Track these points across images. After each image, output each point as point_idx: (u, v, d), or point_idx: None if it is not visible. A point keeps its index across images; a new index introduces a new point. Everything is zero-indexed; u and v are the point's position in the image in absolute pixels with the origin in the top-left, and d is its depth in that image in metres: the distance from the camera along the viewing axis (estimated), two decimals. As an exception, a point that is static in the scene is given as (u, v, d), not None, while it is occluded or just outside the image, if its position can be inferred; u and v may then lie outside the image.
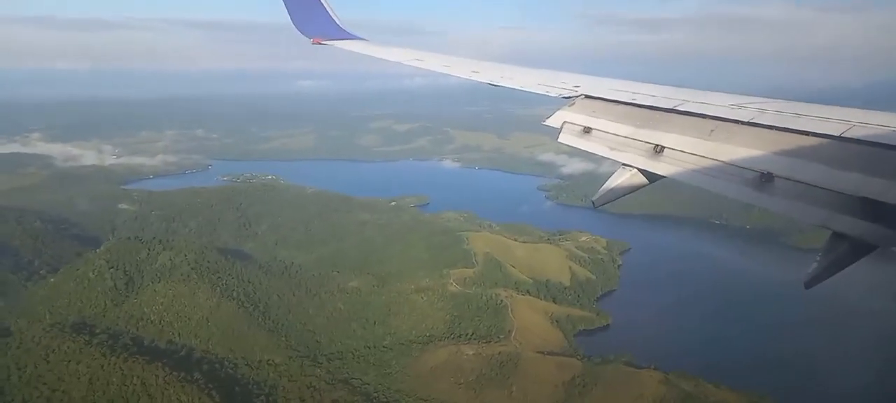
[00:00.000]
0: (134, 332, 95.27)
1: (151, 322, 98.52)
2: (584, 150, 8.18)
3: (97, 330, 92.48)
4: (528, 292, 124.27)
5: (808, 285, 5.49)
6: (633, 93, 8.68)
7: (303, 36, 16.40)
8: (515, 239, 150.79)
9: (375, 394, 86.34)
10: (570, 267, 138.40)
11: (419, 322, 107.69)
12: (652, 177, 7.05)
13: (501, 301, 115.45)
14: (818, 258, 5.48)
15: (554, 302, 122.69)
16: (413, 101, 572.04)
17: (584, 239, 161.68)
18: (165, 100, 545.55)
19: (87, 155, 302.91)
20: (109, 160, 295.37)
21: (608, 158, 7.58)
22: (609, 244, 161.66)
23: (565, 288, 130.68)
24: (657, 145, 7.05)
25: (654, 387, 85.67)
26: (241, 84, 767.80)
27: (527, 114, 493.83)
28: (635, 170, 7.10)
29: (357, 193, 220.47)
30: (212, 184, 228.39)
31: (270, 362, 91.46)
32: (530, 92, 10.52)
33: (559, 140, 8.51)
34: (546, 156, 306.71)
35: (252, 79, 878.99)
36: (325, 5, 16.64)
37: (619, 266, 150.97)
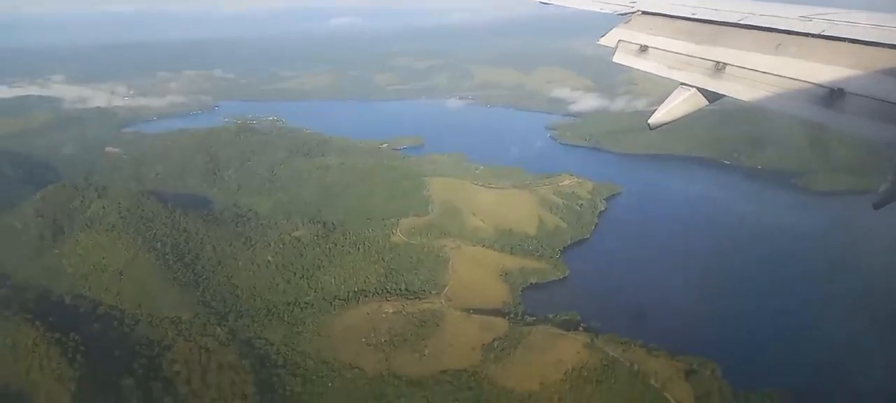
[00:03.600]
0: (45, 285, 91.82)
1: (66, 274, 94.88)
2: (641, 70, 7.84)
3: (7, 285, 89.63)
4: (482, 242, 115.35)
5: (877, 205, 5.46)
6: (693, 7, 8.23)
7: None
8: (485, 185, 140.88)
9: (275, 356, 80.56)
10: (538, 215, 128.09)
11: (350, 276, 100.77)
12: (712, 96, 6.78)
13: (445, 253, 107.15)
14: (890, 178, 5.40)
15: (510, 252, 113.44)
16: (443, 38, 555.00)
17: (567, 182, 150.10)
18: (198, 42, 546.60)
19: (98, 97, 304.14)
20: (117, 102, 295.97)
21: (664, 78, 7.20)
22: (596, 188, 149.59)
23: (528, 238, 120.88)
24: (719, 62, 6.77)
25: (575, 352, 76.60)
26: (274, 24, 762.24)
27: (558, 47, 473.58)
28: (694, 89, 6.84)
29: (353, 135, 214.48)
30: (207, 126, 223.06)
31: (175, 319, 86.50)
32: (583, 9, 9.80)
33: (614, 60, 8.27)
34: (561, 93, 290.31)
35: (288, 17, 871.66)
36: None
37: (600, 212, 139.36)
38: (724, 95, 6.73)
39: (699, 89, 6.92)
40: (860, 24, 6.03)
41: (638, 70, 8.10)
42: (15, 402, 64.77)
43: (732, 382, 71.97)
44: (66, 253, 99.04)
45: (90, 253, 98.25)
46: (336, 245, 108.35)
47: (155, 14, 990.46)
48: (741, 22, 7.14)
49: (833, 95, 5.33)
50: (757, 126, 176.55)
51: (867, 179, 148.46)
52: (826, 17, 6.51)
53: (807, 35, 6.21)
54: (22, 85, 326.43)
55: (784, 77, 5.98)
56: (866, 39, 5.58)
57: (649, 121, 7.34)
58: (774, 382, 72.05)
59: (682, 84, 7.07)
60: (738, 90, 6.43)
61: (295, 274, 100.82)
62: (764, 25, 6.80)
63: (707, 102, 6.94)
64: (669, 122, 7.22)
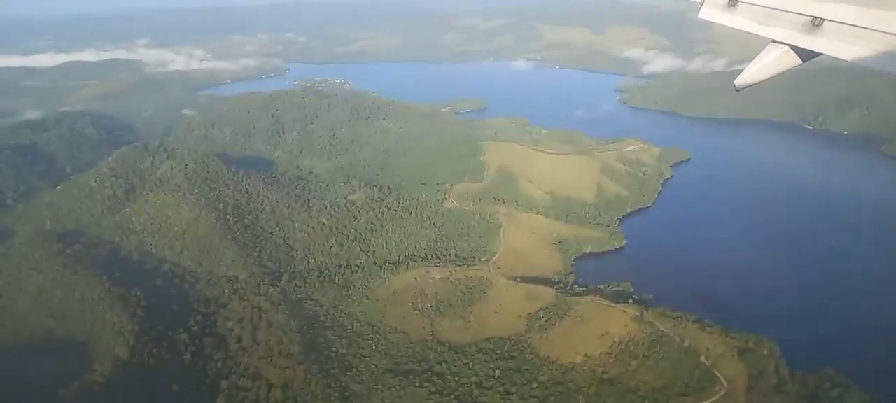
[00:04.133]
0: (115, 242, 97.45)
1: (135, 232, 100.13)
2: (730, 27, 7.33)
3: (80, 241, 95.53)
4: (536, 209, 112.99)
5: None
6: None
7: None
8: (544, 150, 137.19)
9: (323, 317, 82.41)
10: (598, 182, 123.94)
11: (401, 240, 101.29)
12: (806, 54, 6.37)
13: (498, 219, 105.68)
14: None
15: (566, 220, 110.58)
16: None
17: (631, 147, 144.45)
18: (268, 5, 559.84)
19: (177, 60, 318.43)
20: (195, 65, 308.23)
21: (754, 35, 6.83)
22: (662, 154, 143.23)
23: (587, 205, 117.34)
24: (815, 18, 6.14)
25: (623, 325, 73.99)
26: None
27: (633, 2, 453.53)
28: (787, 47, 6.46)
29: (416, 97, 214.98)
30: (276, 88, 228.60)
31: (232, 278, 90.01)
32: None
33: (700, 16, 7.71)
34: (634, 53, 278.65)
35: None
36: None
37: (666, 179, 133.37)
38: (820, 53, 6.17)
39: (792, 47, 6.43)
40: None
41: (725, 27, 7.69)
42: (80, 351, 69.36)
43: (790, 362, 67.46)
44: (136, 212, 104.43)
45: (158, 213, 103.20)
46: (390, 209, 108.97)
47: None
48: None
49: None
50: (843, 87, 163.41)
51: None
52: None
53: None
54: (109, 49, 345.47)
55: (889, 33, 5.39)
56: None
57: (735, 81, 6.97)
58: (835, 362, 66.90)
59: (774, 41, 6.58)
60: (838, 48, 5.85)
61: (348, 236, 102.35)
62: None
63: (800, 61, 6.49)
64: (757, 83, 6.78)
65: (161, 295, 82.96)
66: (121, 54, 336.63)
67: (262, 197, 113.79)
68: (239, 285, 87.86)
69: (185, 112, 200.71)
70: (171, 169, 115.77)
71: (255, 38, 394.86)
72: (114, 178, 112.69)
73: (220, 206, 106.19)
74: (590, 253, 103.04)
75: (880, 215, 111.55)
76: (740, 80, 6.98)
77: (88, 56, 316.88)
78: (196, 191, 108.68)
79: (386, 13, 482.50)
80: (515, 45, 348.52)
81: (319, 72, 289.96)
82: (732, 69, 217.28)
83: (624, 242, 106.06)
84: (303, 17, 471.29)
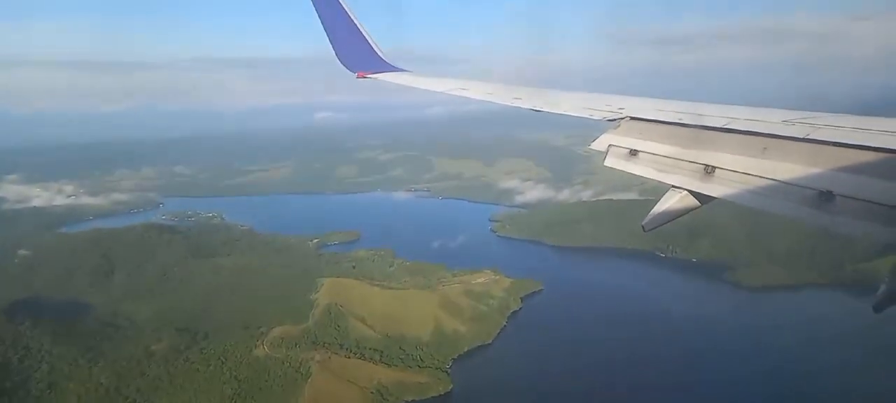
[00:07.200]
0: None
1: None
2: (633, 173, 8.01)
3: None
4: (362, 352, 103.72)
5: (878, 309, 5.39)
6: (679, 112, 8.60)
7: (347, 70, 16.26)
8: (384, 287, 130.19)
9: None
10: (436, 318, 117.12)
11: (191, 400, 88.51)
12: (703, 198, 6.91)
13: (309, 367, 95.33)
14: (887, 278, 5.46)
15: (390, 364, 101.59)
16: (420, 129, 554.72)
17: (481, 279, 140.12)
18: (176, 139, 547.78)
19: (44, 196, 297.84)
20: (59, 201, 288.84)
21: (655, 181, 7.42)
22: (513, 285, 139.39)
23: (422, 345, 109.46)
24: (708, 166, 6.89)
25: None
26: (263, 118, 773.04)
27: (532, 138, 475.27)
28: (685, 192, 6.96)
29: (287, 230, 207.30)
30: (139, 222, 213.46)
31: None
32: (574, 116, 10.06)
33: (605, 164, 8.36)
34: (511, 183, 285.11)
35: (277, 113, 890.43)
36: (369, 39, 16.53)
37: (512, 312, 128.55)
38: (714, 197, 6.60)
39: (690, 192, 6.81)
40: (843, 127, 6.22)
41: (625, 171, 8.03)
42: None
43: None
44: None
45: None
46: (188, 361, 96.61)
47: (150, 112, 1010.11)
48: (726, 126, 7.27)
49: (822, 197, 5.42)
50: (694, 217, 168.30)
51: (798, 273, 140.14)
52: (809, 121, 6.68)
53: (792, 139, 6.31)
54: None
55: (773, 180, 6.02)
56: (849, 143, 5.70)
57: (642, 222, 7.14)
58: None
59: (674, 186, 6.98)
60: (729, 193, 6.40)
61: (127, 398, 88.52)
62: (749, 130, 6.92)
63: (699, 204, 6.90)
64: (663, 224, 6.94)
65: None
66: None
67: (43, 352, 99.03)
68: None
69: (22, 252, 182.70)
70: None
71: (138, 173, 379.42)
72: None
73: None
74: (410, 401, 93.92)
75: (716, 343, 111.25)
76: (646, 222, 7.16)
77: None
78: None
79: (285, 146, 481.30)
80: (407, 176, 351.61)
81: (195, 205, 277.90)
82: (597, 199, 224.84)
83: (450, 386, 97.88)
84: (198, 150, 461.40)
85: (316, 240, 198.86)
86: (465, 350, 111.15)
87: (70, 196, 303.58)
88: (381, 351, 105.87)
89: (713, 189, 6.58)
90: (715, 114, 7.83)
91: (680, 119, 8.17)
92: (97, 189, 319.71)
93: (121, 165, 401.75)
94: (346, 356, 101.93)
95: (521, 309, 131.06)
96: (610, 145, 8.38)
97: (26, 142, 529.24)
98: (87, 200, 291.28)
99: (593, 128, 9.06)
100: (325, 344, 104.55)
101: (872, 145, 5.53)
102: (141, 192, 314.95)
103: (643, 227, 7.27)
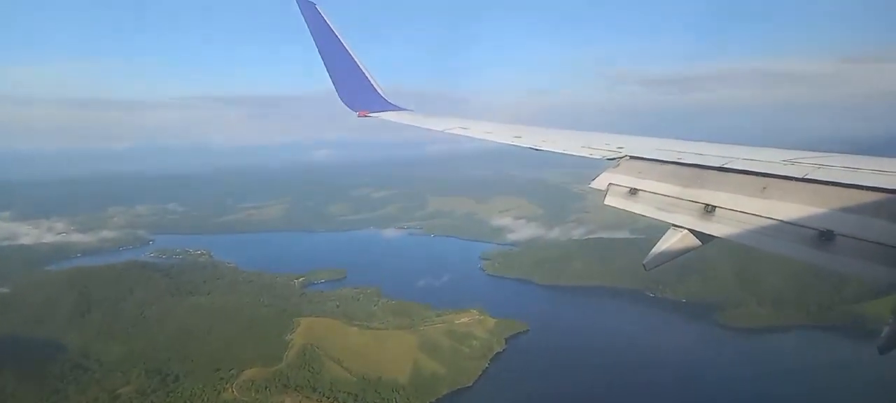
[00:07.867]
0: None
1: None
2: (633, 212, 7.90)
3: None
4: (336, 397, 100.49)
5: (883, 350, 5.30)
6: (679, 152, 8.61)
7: (349, 109, 16.42)
8: (363, 327, 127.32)
9: None
10: (415, 360, 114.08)
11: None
12: (704, 237, 6.88)
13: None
14: (890, 321, 5.40)
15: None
16: (417, 166, 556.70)
17: (465, 319, 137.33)
18: (174, 176, 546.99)
19: (32, 233, 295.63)
20: (48, 239, 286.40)
21: (655, 220, 7.37)
22: (497, 325, 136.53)
23: (398, 387, 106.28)
24: (708, 205, 6.92)
25: None
26: (262, 155, 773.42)
27: (528, 176, 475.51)
28: (686, 231, 6.94)
29: (274, 268, 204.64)
30: (123, 260, 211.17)
31: None
32: (573, 155, 10.05)
33: (605, 203, 8.32)
34: (503, 221, 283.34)
35: (277, 150, 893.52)
36: (371, 78, 16.77)
37: (495, 354, 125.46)
38: (715, 236, 6.59)
39: (690, 231, 6.79)
40: (843, 167, 6.24)
41: (626, 210, 7.87)
42: None
43: None
44: None
45: None
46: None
47: (144, 150, 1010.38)
48: (726, 165, 7.34)
49: (822, 237, 5.38)
50: (684, 256, 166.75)
51: (787, 314, 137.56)
52: (809, 160, 6.74)
53: (791, 178, 6.34)
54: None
55: (773, 219, 5.99)
56: (848, 182, 5.74)
57: (644, 262, 7.09)
58: None
59: (674, 225, 6.96)
60: (729, 232, 6.39)
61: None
62: (749, 169, 6.96)
63: (700, 243, 6.87)
64: (664, 263, 6.94)
65: None
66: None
67: (7, 395, 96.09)
68: None
69: (1, 290, 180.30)
70: None
71: (132, 209, 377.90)
72: None
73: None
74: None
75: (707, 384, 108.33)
76: (647, 261, 7.07)
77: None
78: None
79: (281, 183, 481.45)
80: (399, 214, 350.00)
81: (185, 242, 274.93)
82: (588, 237, 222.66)
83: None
84: (194, 187, 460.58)
85: (301, 279, 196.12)
86: (444, 393, 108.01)
87: (60, 233, 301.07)
88: (356, 395, 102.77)
89: (713, 228, 6.61)
90: (714, 154, 7.96)
91: (680, 158, 8.24)
92: (88, 225, 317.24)
93: (115, 201, 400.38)
94: (317, 399, 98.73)
95: (505, 349, 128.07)
96: (610, 184, 8.44)
97: (26, 177, 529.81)
98: (76, 237, 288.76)
99: (592, 166, 9.13)
100: (297, 387, 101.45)
101: (873, 185, 5.56)
102: (131, 229, 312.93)
103: (644, 266, 7.24)
